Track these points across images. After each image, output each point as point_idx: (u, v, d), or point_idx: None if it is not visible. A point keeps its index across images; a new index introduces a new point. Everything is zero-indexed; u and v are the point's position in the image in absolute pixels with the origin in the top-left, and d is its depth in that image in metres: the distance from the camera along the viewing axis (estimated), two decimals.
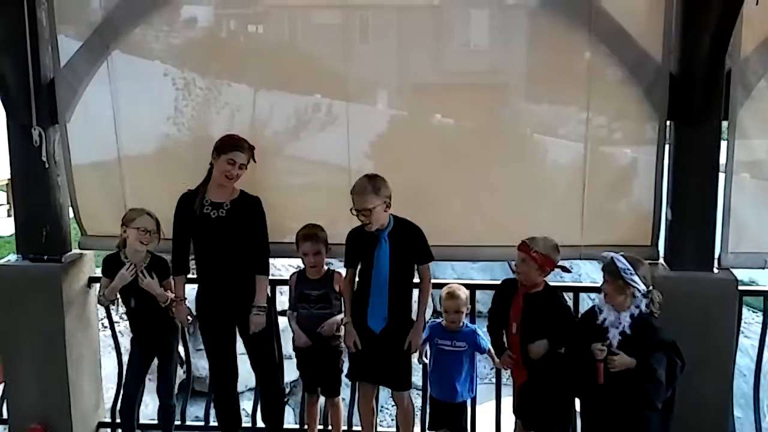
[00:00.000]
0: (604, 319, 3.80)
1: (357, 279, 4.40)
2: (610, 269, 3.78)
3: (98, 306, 4.97)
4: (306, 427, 4.83)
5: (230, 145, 4.29)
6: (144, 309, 4.52)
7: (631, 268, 3.71)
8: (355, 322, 4.34)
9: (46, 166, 4.67)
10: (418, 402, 4.77)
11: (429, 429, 4.59)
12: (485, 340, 4.40)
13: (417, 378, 4.60)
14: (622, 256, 3.78)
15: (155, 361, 4.70)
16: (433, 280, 4.36)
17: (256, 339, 4.45)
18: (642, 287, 3.72)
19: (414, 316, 4.35)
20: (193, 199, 4.36)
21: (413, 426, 4.58)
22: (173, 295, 4.48)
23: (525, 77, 4.73)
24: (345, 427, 4.82)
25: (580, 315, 4.45)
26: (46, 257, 4.74)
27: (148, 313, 4.53)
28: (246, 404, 5.37)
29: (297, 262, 4.64)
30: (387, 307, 4.24)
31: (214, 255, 4.37)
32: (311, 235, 4.43)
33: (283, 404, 4.69)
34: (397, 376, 4.38)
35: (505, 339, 4.25)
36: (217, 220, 4.30)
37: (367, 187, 4.13)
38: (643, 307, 3.73)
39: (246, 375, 4.68)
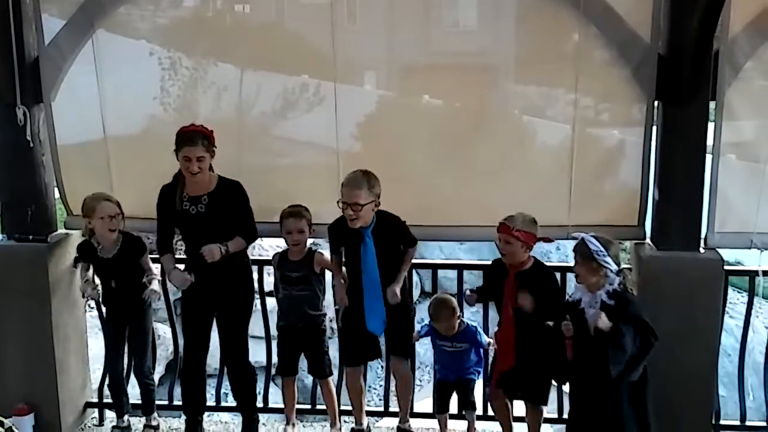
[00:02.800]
0: (580, 300, 3.84)
1: (346, 272, 4.39)
2: (582, 251, 3.79)
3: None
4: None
5: (181, 142, 4.19)
6: (123, 290, 4.52)
7: (603, 249, 3.73)
8: (354, 324, 4.33)
9: (31, 145, 4.63)
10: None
11: (436, 413, 4.57)
12: (485, 336, 4.42)
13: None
14: (593, 236, 3.79)
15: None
16: (422, 260, 4.35)
17: (232, 320, 4.47)
18: (614, 267, 3.75)
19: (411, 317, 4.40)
20: (171, 192, 4.31)
21: (412, 396, 4.57)
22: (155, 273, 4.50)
23: (513, 58, 4.72)
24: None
25: (566, 295, 4.50)
26: (31, 237, 4.71)
27: (126, 294, 4.52)
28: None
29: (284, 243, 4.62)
30: (384, 309, 4.23)
31: (197, 247, 4.32)
32: (295, 213, 4.42)
33: (254, 383, 4.67)
34: (398, 341, 4.39)
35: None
36: (196, 215, 4.27)
37: (362, 183, 4.07)
38: (616, 286, 3.76)
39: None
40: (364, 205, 4.06)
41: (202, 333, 4.52)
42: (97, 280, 4.66)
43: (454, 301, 4.35)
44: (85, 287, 4.63)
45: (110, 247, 4.49)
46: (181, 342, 5.12)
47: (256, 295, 4.66)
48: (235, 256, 4.36)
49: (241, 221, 4.34)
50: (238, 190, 4.33)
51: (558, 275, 4.65)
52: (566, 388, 4.20)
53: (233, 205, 4.30)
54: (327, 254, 4.48)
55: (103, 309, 4.77)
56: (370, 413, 4.85)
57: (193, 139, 4.17)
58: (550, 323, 3.97)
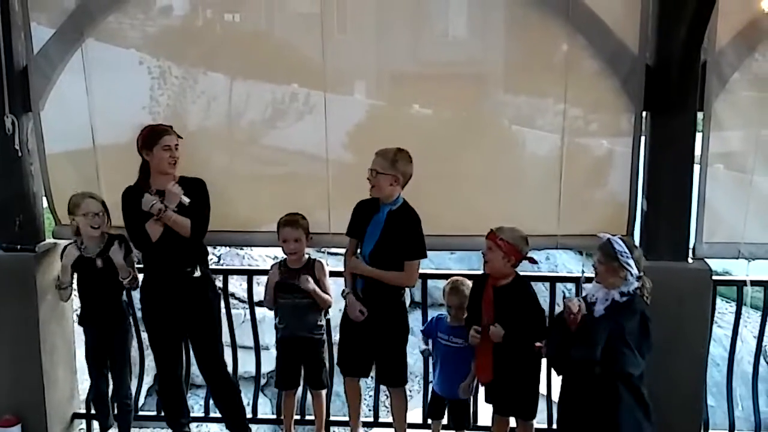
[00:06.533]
0: (593, 295, 3.84)
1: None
2: (606, 251, 3.80)
3: (72, 296, 4.92)
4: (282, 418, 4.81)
5: (157, 134, 4.24)
6: (103, 296, 4.47)
7: (628, 251, 3.75)
8: (352, 333, 4.31)
9: (19, 154, 4.61)
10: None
11: (429, 417, 4.58)
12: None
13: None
14: (619, 238, 3.82)
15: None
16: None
17: (201, 336, 4.43)
18: (635, 271, 3.76)
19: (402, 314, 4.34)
20: (137, 191, 4.28)
21: (406, 417, 4.52)
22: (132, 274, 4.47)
23: (503, 68, 4.74)
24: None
25: (556, 305, 4.51)
26: (19, 247, 4.68)
27: (105, 304, 4.48)
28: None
29: (274, 252, 4.62)
30: (363, 279, 4.24)
31: (166, 242, 4.26)
32: (292, 221, 4.42)
33: (239, 397, 4.61)
34: (393, 372, 4.36)
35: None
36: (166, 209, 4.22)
37: (388, 154, 4.14)
38: (632, 289, 3.77)
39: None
40: (379, 173, 4.11)
41: (172, 348, 4.48)
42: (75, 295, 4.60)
43: (466, 283, 4.36)
44: (60, 284, 4.56)
45: (93, 246, 4.44)
46: None
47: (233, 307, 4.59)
48: (196, 260, 4.35)
49: (195, 214, 4.27)
50: (201, 185, 4.33)
51: (546, 285, 4.67)
52: (555, 398, 4.21)
53: (196, 197, 4.27)
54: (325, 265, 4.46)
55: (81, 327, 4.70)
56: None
57: (167, 129, 4.26)
58: (539, 344, 4.01)
